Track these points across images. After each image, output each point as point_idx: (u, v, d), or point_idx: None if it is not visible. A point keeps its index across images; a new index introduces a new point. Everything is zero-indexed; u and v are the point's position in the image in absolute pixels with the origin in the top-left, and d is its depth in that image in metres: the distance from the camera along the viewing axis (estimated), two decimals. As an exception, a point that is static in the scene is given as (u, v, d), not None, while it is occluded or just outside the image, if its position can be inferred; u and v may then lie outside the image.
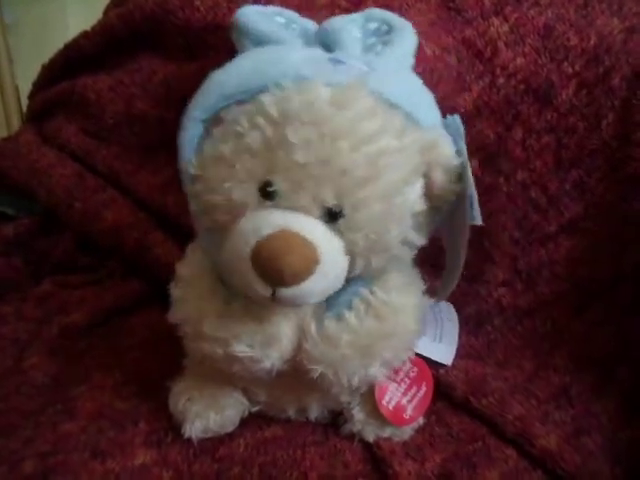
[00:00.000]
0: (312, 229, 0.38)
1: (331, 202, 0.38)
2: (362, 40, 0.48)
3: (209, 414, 0.48)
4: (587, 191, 0.60)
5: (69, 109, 0.70)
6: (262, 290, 0.38)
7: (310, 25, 0.50)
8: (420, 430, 0.52)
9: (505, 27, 0.59)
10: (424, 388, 0.52)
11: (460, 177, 0.42)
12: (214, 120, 0.41)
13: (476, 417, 0.53)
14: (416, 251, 0.44)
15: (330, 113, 0.38)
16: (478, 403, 0.53)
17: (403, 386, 0.51)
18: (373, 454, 0.49)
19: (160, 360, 0.56)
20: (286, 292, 0.38)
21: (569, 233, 0.61)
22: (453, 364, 0.57)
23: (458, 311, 0.61)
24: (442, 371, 0.56)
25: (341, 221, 0.39)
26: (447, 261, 0.49)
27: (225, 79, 0.42)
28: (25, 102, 0.82)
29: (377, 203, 0.39)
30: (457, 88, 0.59)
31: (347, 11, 0.58)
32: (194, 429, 0.48)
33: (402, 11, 0.59)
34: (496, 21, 0.59)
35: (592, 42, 0.58)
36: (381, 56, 0.45)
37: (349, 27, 0.47)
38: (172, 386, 0.50)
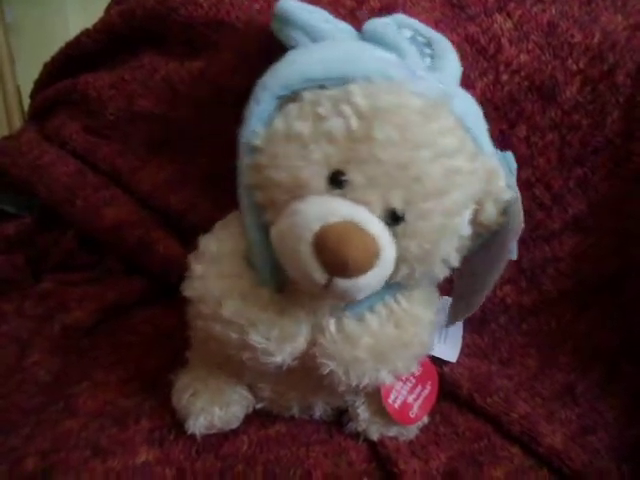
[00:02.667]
0: (376, 225, 0.38)
1: (398, 205, 0.38)
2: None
3: (214, 410, 0.47)
4: (591, 188, 0.60)
5: (70, 107, 0.69)
6: (318, 277, 0.37)
7: (344, 26, 0.50)
8: (425, 429, 0.52)
9: (509, 24, 0.58)
10: (429, 387, 0.51)
11: (505, 211, 0.42)
12: (289, 97, 0.41)
13: (481, 415, 0.53)
14: (450, 272, 0.44)
15: (418, 121, 0.38)
16: (483, 401, 0.53)
17: (408, 385, 0.50)
18: (378, 453, 0.49)
19: (162, 357, 0.56)
20: (342, 283, 0.37)
21: (573, 230, 0.61)
22: (458, 362, 0.57)
23: (462, 309, 0.60)
24: (447, 369, 0.56)
25: (401, 225, 0.39)
26: (457, 289, 0.50)
27: (311, 62, 0.42)
28: (26, 102, 0.82)
29: (439, 217, 0.39)
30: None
31: (351, 10, 0.58)
32: (198, 425, 0.47)
33: (406, 8, 0.59)
34: (500, 18, 0.59)
35: (596, 39, 0.58)
36: (442, 73, 0.46)
37: (399, 34, 0.46)
38: (175, 380, 0.50)
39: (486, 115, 0.58)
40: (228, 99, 0.57)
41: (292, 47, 0.45)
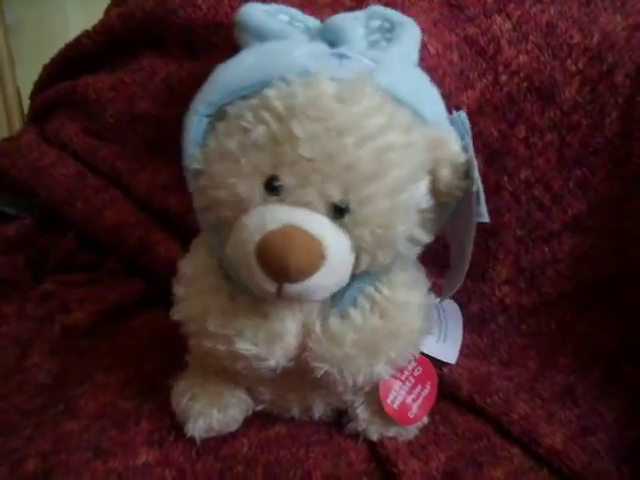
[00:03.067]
0: (318, 224, 0.38)
1: (337, 197, 0.38)
2: (366, 37, 0.48)
3: (212, 413, 0.47)
4: (590, 189, 0.60)
5: (70, 109, 0.70)
6: (267, 286, 0.38)
7: (313, 22, 0.50)
8: (424, 429, 0.51)
9: (508, 24, 0.59)
10: (428, 387, 0.51)
11: (467, 174, 0.41)
12: (218, 115, 0.41)
13: (481, 416, 0.53)
14: (421, 249, 0.44)
15: (336, 108, 0.38)
16: (483, 402, 0.53)
17: (408, 385, 0.50)
18: (377, 453, 0.48)
19: (162, 359, 0.56)
20: (292, 288, 0.37)
21: (573, 231, 0.61)
22: (457, 363, 0.57)
23: (462, 310, 0.60)
24: (446, 370, 0.56)
25: (347, 217, 0.39)
26: (452, 259, 0.49)
27: (229, 74, 0.42)
28: (26, 103, 0.82)
29: (383, 199, 0.39)
30: (460, 86, 0.58)
31: (350, 9, 0.58)
32: (197, 428, 0.47)
33: (405, 9, 0.59)
34: (499, 19, 0.59)
35: (595, 39, 0.58)
36: (386, 52, 0.45)
37: (352, 24, 0.47)
38: (174, 384, 0.50)
39: (485, 116, 0.59)
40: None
41: None
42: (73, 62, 0.69)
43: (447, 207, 0.43)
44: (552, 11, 0.58)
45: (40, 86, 0.75)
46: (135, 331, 0.61)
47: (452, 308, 0.60)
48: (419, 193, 0.41)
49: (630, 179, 0.59)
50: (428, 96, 0.44)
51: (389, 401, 0.49)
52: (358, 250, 0.40)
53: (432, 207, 0.42)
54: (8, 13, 1.11)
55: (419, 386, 0.51)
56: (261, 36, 0.46)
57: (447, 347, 0.57)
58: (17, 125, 1.06)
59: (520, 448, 0.50)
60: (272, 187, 0.38)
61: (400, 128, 0.39)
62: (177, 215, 0.64)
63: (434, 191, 0.41)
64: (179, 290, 0.46)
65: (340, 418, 0.51)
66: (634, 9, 0.59)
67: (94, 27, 0.67)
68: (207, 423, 0.47)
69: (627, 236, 0.60)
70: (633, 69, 0.58)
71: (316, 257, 0.37)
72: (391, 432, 0.50)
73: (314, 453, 0.48)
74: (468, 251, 0.45)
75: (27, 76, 0.87)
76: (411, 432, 0.50)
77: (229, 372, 0.45)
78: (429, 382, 0.51)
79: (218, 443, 0.48)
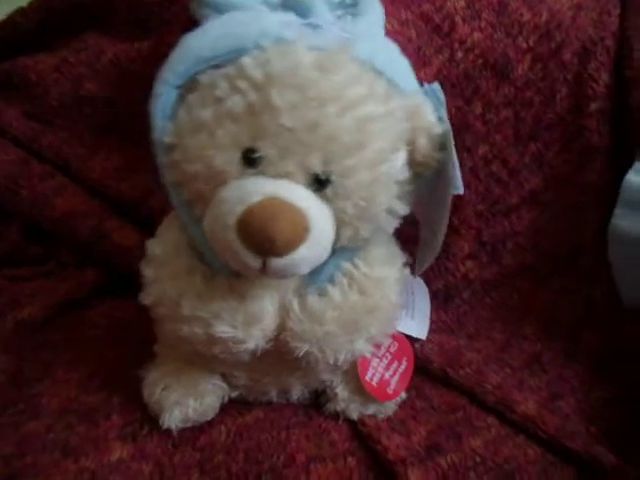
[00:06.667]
0: (301, 196, 0.37)
1: (318, 168, 0.37)
2: (330, 11, 0.47)
3: (188, 402, 0.45)
4: (545, 163, 0.62)
5: (8, 92, 0.64)
6: (252, 262, 0.36)
7: None
8: (402, 405, 0.51)
9: (461, 2, 0.59)
10: (405, 363, 0.51)
11: (442, 145, 0.41)
12: (188, 86, 0.39)
13: (454, 388, 0.53)
14: (399, 221, 0.43)
15: (316, 77, 0.36)
16: (456, 374, 0.53)
17: (385, 361, 0.50)
18: (359, 431, 0.48)
19: (124, 350, 0.53)
20: (277, 262, 0.36)
21: (530, 205, 0.63)
22: (427, 338, 0.57)
23: (426, 286, 0.60)
24: (417, 346, 0.56)
25: (329, 188, 0.38)
26: (422, 235, 0.49)
27: (200, 42, 0.40)
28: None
29: (365, 170, 0.38)
30: (418, 62, 0.59)
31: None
32: (173, 419, 0.45)
33: (360, -14, 0.58)
34: (452, -4, 0.59)
35: (544, 18, 0.60)
36: (356, 24, 0.45)
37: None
38: (145, 375, 0.48)
39: (443, 92, 0.59)
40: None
41: None
42: (7, 43, 0.64)
43: (421, 179, 0.43)
44: (503, -11, 0.60)
45: (-30, 70, 0.69)
46: (93, 323, 0.58)
47: (419, 284, 0.60)
48: (398, 164, 0.40)
49: (583, 153, 0.61)
50: (402, 66, 0.44)
51: (368, 378, 0.49)
52: (339, 223, 0.39)
53: (409, 179, 0.41)
54: None
55: (396, 362, 0.51)
56: (221, 8, 0.43)
57: (417, 323, 0.57)
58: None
59: (495, 417, 0.50)
60: (250, 159, 0.37)
61: (379, 98, 0.39)
62: (131, 201, 0.61)
63: (411, 162, 0.41)
64: (149, 272, 0.43)
65: (317, 399, 0.51)
66: (579, -11, 0.61)
67: (30, 4, 0.62)
68: (183, 413, 0.45)
69: (582, 209, 0.62)
70: (579, 47, 0.61)
71: (301, 229, 0.36)
72: (370, 410, 0.49)
73: (295, 435, 0.47)
74: (444, 226, 0.45)
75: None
76: (390, 409, 0.50)
77: (204, 358, 0.43)
78: (405, 358, 0.51)
79: (195, 433, 0.46)
